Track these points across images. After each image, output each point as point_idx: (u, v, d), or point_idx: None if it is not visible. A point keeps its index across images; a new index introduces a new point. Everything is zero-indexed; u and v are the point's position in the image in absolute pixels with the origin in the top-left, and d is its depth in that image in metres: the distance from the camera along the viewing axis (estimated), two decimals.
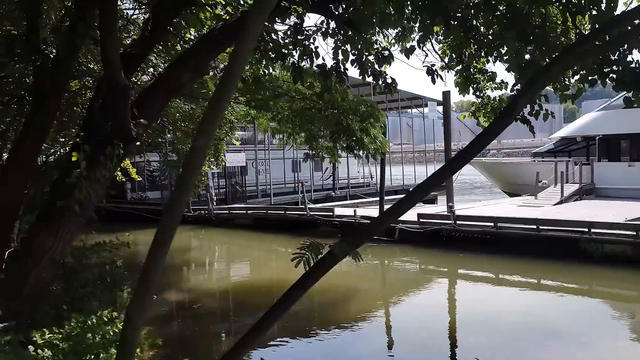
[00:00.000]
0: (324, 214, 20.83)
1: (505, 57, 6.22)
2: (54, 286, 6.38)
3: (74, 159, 5.64)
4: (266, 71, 8.39)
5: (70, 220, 5.93)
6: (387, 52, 7.17)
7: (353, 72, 7.32)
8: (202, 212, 24.54)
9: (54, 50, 7.69)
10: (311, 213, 20.88)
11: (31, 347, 4.38)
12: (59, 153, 12.85)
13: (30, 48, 5.99)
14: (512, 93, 6.41)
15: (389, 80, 7.52)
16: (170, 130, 14.17)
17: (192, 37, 9.32)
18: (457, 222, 17.12)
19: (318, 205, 23.91)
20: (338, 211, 20.77)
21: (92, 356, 3.65)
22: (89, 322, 4.79)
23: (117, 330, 4.81)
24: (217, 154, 14.07)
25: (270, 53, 7.25)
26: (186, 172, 2.86)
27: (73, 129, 13.79)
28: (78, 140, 5.58)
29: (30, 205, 7.65)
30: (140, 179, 24.26)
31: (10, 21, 11.05)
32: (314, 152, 12.36)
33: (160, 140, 15.01)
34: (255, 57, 7.44)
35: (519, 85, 6.10)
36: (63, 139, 13.72)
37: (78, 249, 6.94)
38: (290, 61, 7.29)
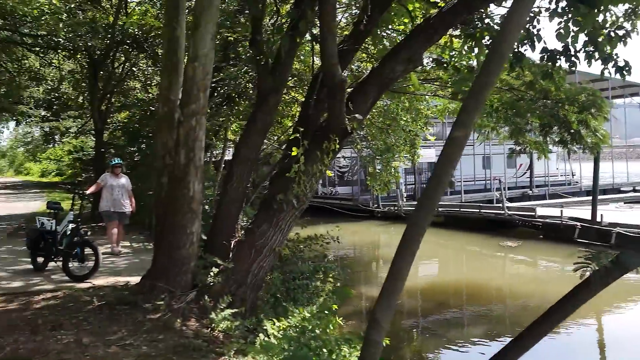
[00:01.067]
0: (523, 214, 19.37)
1: None
2: (270, 276, 6.65)
3: (293, 153, 5.79)
4: (475, 61, 7.89)
5: (288, 213, 6.14)
6: (621, 31, 6.24)
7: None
8: (392, 208, 24.54)
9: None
10: (509, 212, 19.58)
11: (261, 335, 4.53)
12: (266, 149, 13.67)
13: (255, 49, 6.29)
14: None
15: (621, 63, 6.52)
16: (364, 125, 14.27)
17: (393, 31, 9.18)
18: None
19: (515, 204, 22.36)
20: (540, 211, 19.15)
21: (326, 351, 3.60)
22: (313, 313, 4.82)
23: (335, 325, 4.76)
24: (412, 150, 13.80)
25: (484, 39, 6.77)
26: (442, 164, 2.60)
27: (274, 126, 14.67)
28: (297, 135, 5.69)
29: (248, 198, 8.18)
30: (332, 174, 25.12)
31: (226, 28, 12.05)
32: (520, 148, 11.46)
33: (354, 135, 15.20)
34: (468, 44, 7.01)
35: None
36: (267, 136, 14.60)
37: (292, 241, 7.18)
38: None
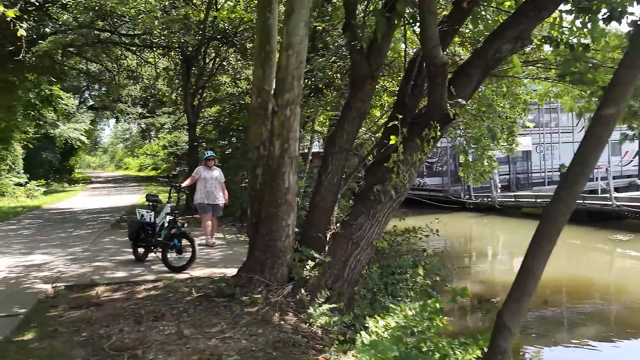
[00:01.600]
0: (634, 205, 17.84)
1: None
2: (367, 270, 6.42)
3: (391, 142, 5.49)
4: (589, 38, 7.18)
5: (386, 204, 5.86)
6: None
7: None
8: (485, 199, 23.54)
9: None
10: (617, 203, 18.10)
11: (363, 333, 4.29)
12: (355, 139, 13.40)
13: (350, 34, 6.04)
14: None
15: None
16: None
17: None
18: None
19: (623, 194, 20.65)
20: None
21: (439, 355, 3.30)
22: (416, 311, 4.52)
23: (439, 324, 4.42)
24: (511, 137, 12.98)
25: (599, 13, 6.11)
26: (588, 147, 2.21)
27: None
28: (396, 122, 5.38)
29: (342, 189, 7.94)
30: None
31: (313, 18, 11.91)
32: (634, 132, 10.48)
33: None
34: (581, 19, 6.37)
35: None
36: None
37: (389, 233, 6.89)
38: (629, 20, 6.01)
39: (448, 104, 5.44)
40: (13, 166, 24.13)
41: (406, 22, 6.47)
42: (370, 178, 5.96)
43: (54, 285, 7.03)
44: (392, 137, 5.50)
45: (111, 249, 10.15)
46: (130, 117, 42.33)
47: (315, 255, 5.85)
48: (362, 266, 6.05)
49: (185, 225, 8.29)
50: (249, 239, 6.51)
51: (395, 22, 5.81)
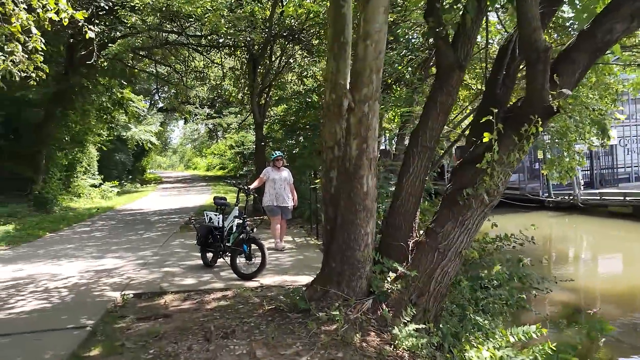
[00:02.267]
0: None
1: None
2: (459, 284, 5.76)
3: (485, 139, 4.83)
4: None
5: (477, 210, 5.21)
6: None
7: None
8: (566, 197, 22.01)
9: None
10: None
11: None
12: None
13: (434, 19, 5.40)
14: None
15: None
16: None
17: None
18: None
19: None
20: None
21: None
22: (518, 337, 3.87)
23: (549, 353, 3.75)
24: (603, 130, 11.80)
25: None
26: None
27: None
28: (490, 117, 4.71)
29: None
30: None
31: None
32: None
33: None
34: None
35: None
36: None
37: (477, 241, 6.20)
38: None
39: (550, 95, 4.73)
40: (88, 168, 24.89)
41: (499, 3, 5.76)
42: (459, 180, 5.33)
43: (123, 293, 6.81)
44: (485, 134, 4.84)
45: (180, 252, 9.96)
46: (198, 118, 43.10)
47: (398, 267, 5.27)
48: (449, 279, 5.40)
49: (254, 229, 7.90)
50: (324, 248, 6.02)
51: (488, 3, 5.14)
